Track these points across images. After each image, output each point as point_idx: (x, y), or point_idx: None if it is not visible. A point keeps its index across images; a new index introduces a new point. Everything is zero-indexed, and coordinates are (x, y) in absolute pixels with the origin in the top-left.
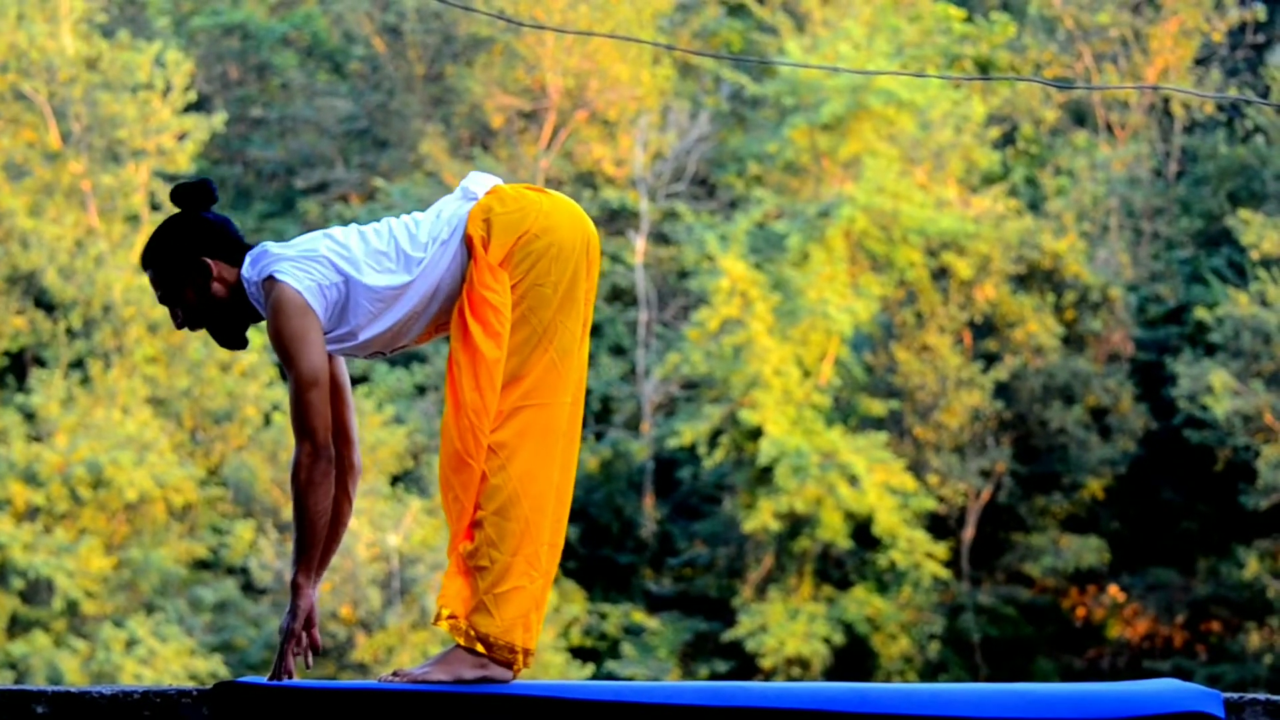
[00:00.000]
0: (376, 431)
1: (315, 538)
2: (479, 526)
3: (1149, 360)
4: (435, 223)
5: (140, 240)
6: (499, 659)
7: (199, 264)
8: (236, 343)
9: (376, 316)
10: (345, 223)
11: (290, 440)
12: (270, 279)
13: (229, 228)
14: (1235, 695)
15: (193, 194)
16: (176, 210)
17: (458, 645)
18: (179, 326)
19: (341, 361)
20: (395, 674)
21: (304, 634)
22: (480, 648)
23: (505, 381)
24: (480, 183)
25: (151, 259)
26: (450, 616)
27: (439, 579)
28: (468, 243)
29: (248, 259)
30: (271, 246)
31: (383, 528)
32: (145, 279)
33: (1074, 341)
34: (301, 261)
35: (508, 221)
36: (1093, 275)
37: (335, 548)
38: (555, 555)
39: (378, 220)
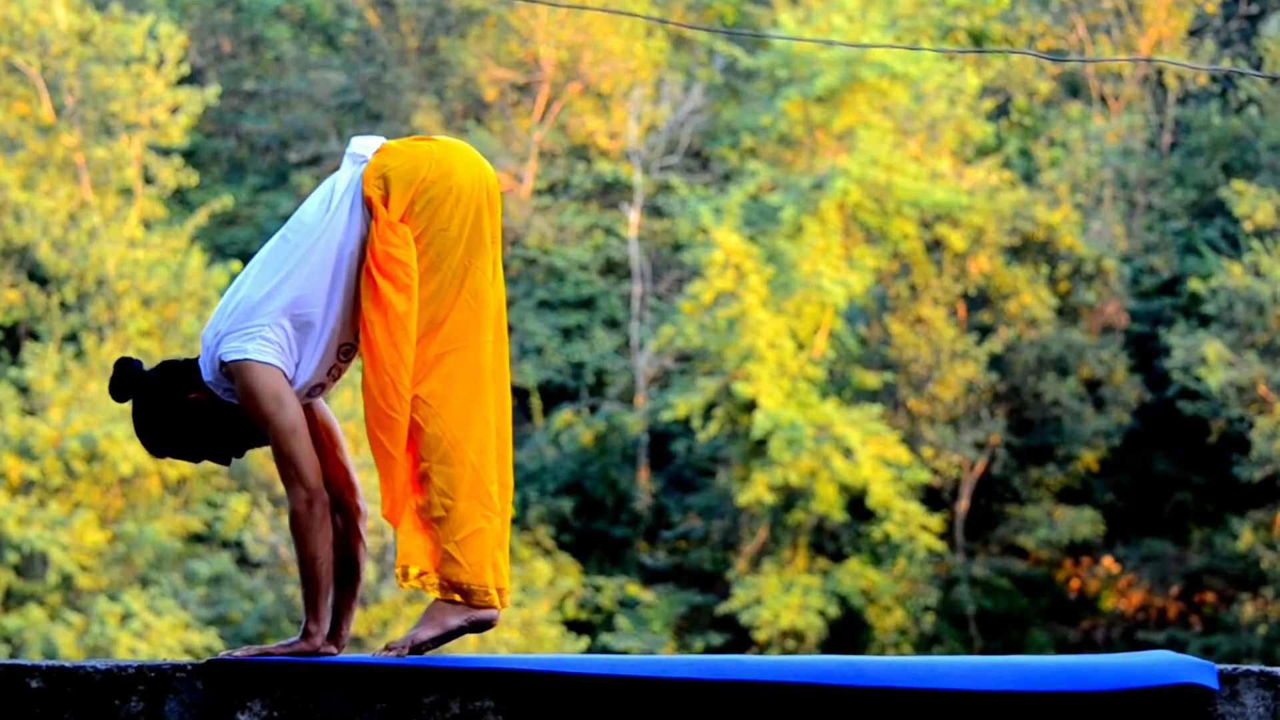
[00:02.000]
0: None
1: (321, 583)
2: (426, 479)
3: (1143, 332)
4: (327, 195)
5: (134, 214)
6: (478, 603)
7: (190, 404)
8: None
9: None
10: None
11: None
12: (223, 365)
13: (169, 365)
14: (1229, 667)
15: (126, 378)
16: (128, 399)
17: (436, 599)
18: (229, 463)
19: (325, 408)
20: (387, 648)
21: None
22: (457, 597)
23: (423, 331)
24: (366, 145)
25: (161, 444)
26: (420, 574)
27: None
28: (367, 204)
29: (200, 367)
30: (206, 336)
31: (375, 501)
32: (139, 253)
33: (1068, 313)
34: (238, 330)
35: (402, 173)
36: (1087, 247)
37: (354, 596)
38: (507, 493)
39: None
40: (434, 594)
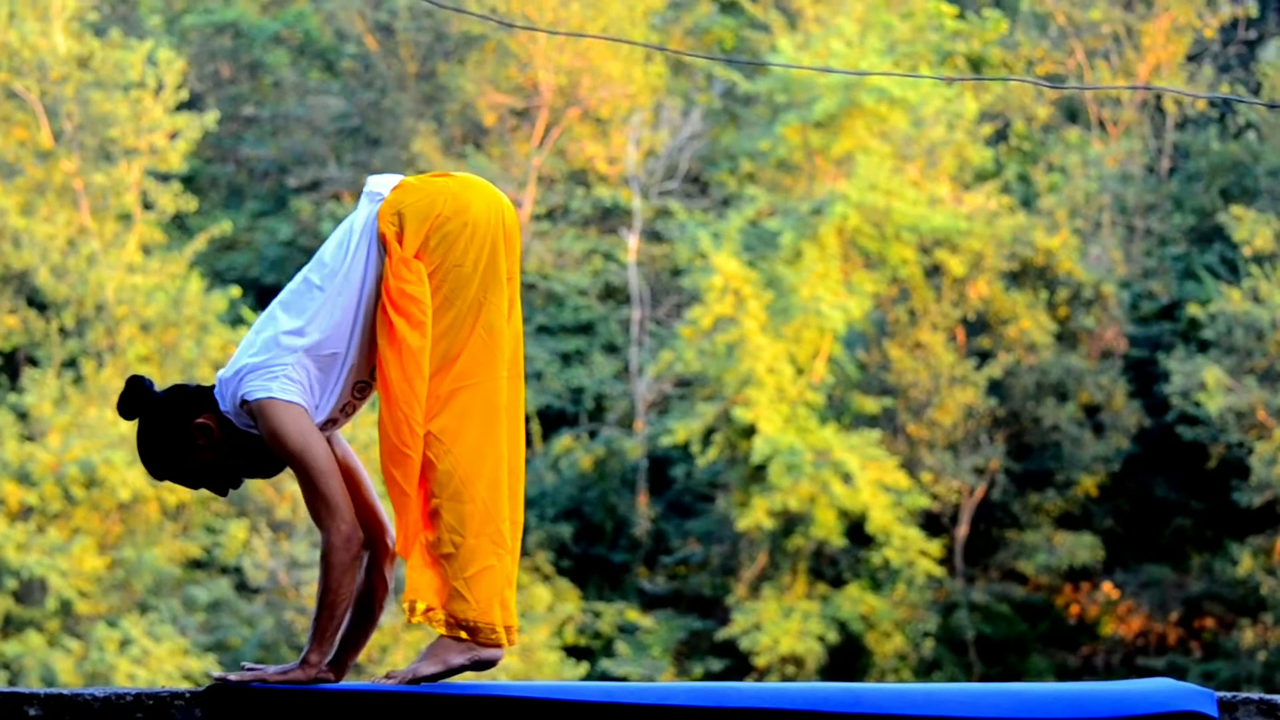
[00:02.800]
0: (370, 430)
1: (336, 619)
2: (436, 515)
3: (1142, 357)
4: (345, 236)
5: (133, 239)
6: (484, 641)
7: (197, 428)
8: (276, 465)
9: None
10: (338, 221)
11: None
12: (245, 403)
13: (180, 389)
14: (1229, 694)
15: (136, 396)
16: (135, 417)
17: (441, 635)
18: (225, 494)
19: (347, 447)
20: (388, 675)
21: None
22: (463, 634)
23: (436, 367)
24: (383, 183)
25: (160, 467)
26: (427, 610)
27: None
28: (382, 240)
29: (217, 397)
30: (225, 374)
31: None
32: (137, 278)
33: (1067, 338)
34: (263, 368)
35: (417, 210)
36: (1085, 272)
37: (368, 633)
38: (517, 531)
39: None
40: (440, 630)
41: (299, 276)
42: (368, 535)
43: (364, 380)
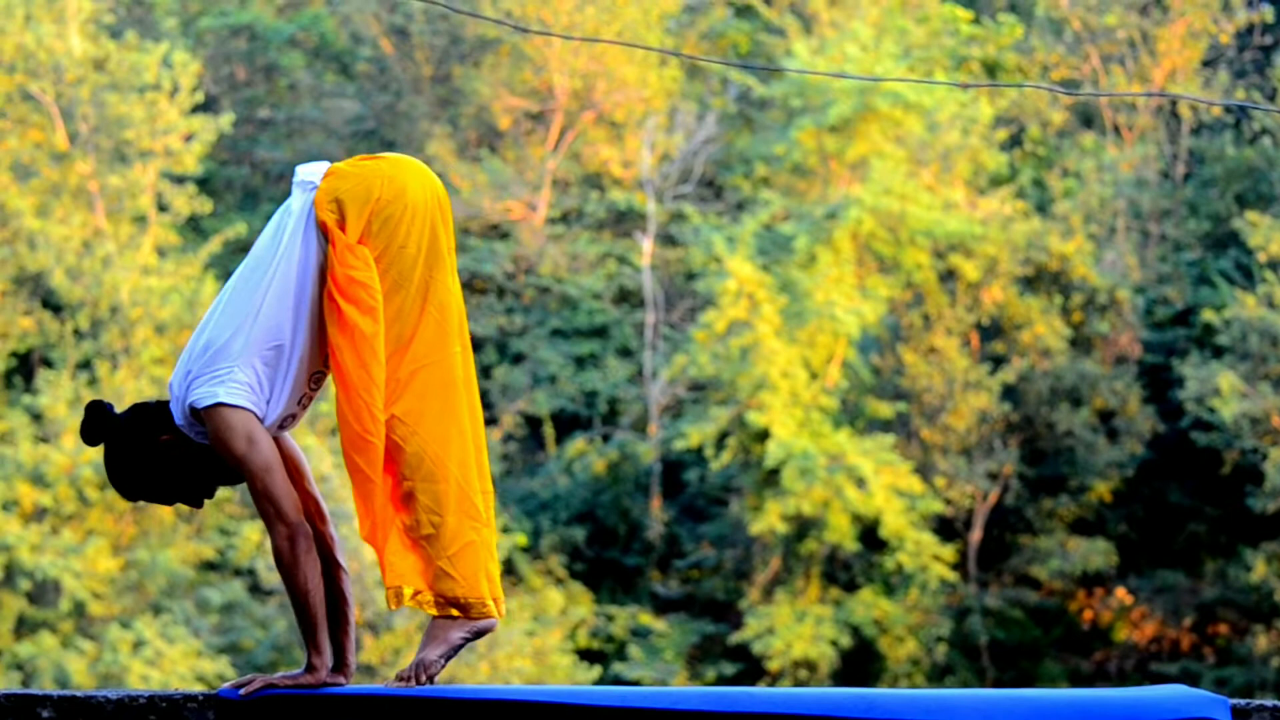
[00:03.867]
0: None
1: (315, 614)
2: (411, 498)
3: (1156, 362)
4: (278, 228)
5: (148, 241)
6: (476, 615)
7: (161, 446)
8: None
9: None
10: None
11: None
12: (195, 410)
13: (142, 408)
14: (1243, 701)
15: (98, 421)
16: (99, 443)
17: (434, 618)
18: (200, 505)
19: (291, 440)
20: (398, 678)
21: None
22: (455, 611)
23: (392, 350)
24: (313, 171)
25: (133, 487)
26: (415, 594)
27: None
28: (322, 229)
29: (172, 410)
30: (174, 383)
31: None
32: (152, 280)
33: (1081, 344)
34: (207, 373)
35: (355, 195)
36: (1100, 277)
37: (348, 623)
38: (490, 501)
39: None
40: (431, 611)
41: (234, 275)
42: (315, 529)
43: (319, 370)
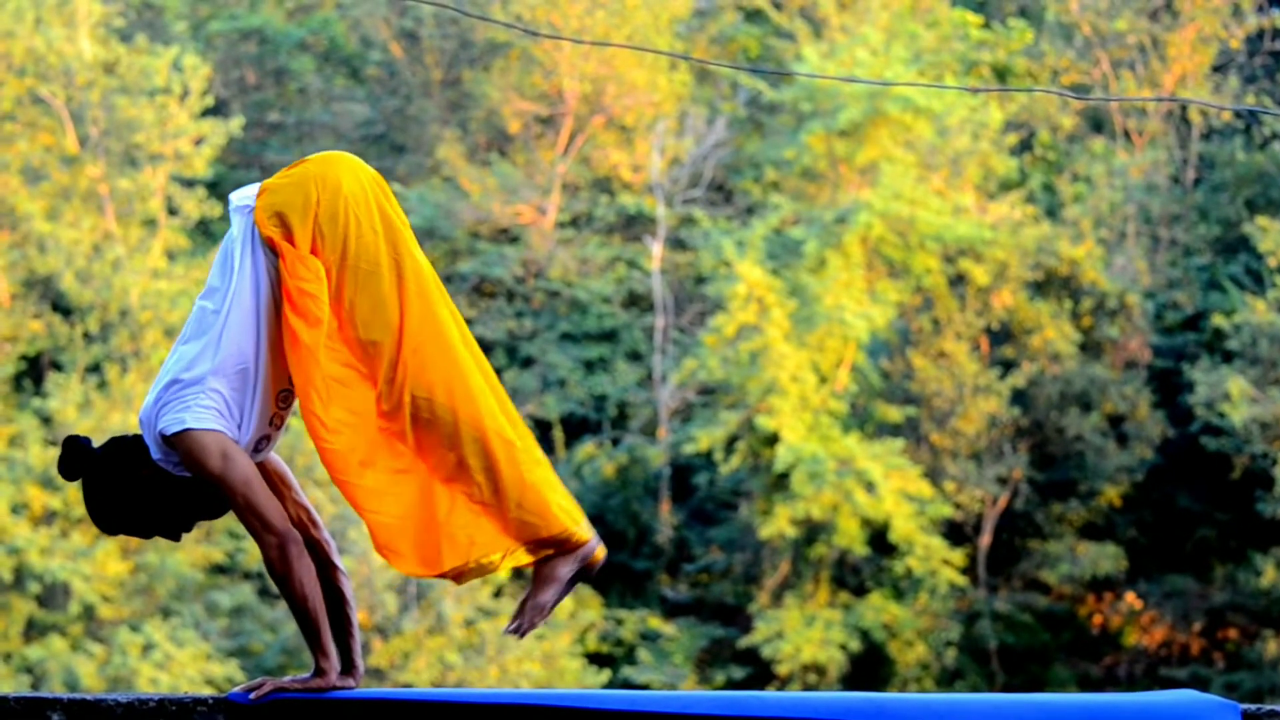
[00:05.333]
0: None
1: (316, 620)
2: (461, 466)
3: (1166, 367)
4: (226, 254)
5: (157, 244)
6: (571, 548)
7: (144, 481)
8: (223, 505)
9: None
10: None
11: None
12: (165, 439)
13: (119, 442)
14: (1253, 706)
15: (75, 457)
16: (78, 478)
17: (537, 565)
18: (179, 539)
19: (275, 457)
20: (515, 630)
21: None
22: (550, 551)
23: (393, 339)
24: (245, 194)
25: (112, 522)
26: (505, 555)
27: (454, 584)
28: (270, 245)
29: (148, 443)
30: (144, 417)
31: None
32: (162, 284)
33: (1091, 348)
34: (174, 401)
35: (294, 204)
36: (1110, 282)
37: (352, 624)
38: (531, 438)
39: None
40: (531, 558)
41: (195, 307)
42: (307, 535)
43: (286, 389)
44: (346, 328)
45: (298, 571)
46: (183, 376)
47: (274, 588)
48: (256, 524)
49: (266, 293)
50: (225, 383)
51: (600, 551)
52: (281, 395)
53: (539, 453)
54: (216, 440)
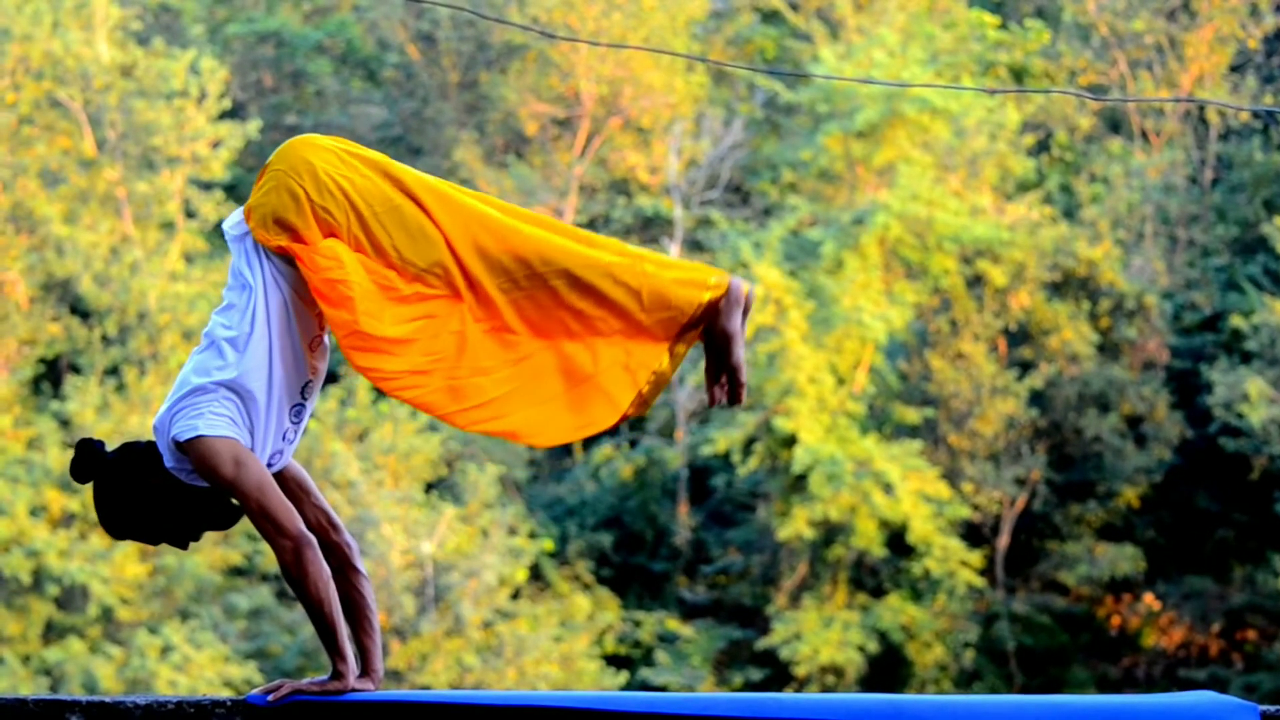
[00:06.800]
0: (410, 439)
1: (333, 623)
2: (578, 315)
3: (1184, 368)
4: (237, 276)
5: (175, 247)
6: (720, 305)
7: (154, 489)
8: (231, 516)
9: (260, 369)
10: None
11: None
12: (177, 445)
13: (131, 448)
14: (1273, 708)
15: (88, 460)
16: (89, 481)
17: (706, 335)
18: (186, 547)
19: (293, 463)
20: (733, 396)
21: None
22: (704, 321)
23: (446, 250)
24: (233, 220)
25: (121, 527)
26: (671, 356)
27: (473, 586)
28: (283, 252)
29: (161, 451)
30: (158, 424)
31: (416, 535)
32: (180, 286)
33: (1109, 349)
34: (188, 408)
35: (286, 205)
36: (1128, 283)
37: (373, 628)
38: (614, 242)
39: None
40: (698, 341)
41: (210, 320)
42: (323, 540)
43: (298, 402)
44: (407, 271)
45: (312, 575)
46: (197, 384)
47: (291, 590)
48: (270, 529)
49: (279, 309)
50: (239, 394)
51: (745, 286)
52: (294, 410)
53: (629, 250)
54: (229, 446)
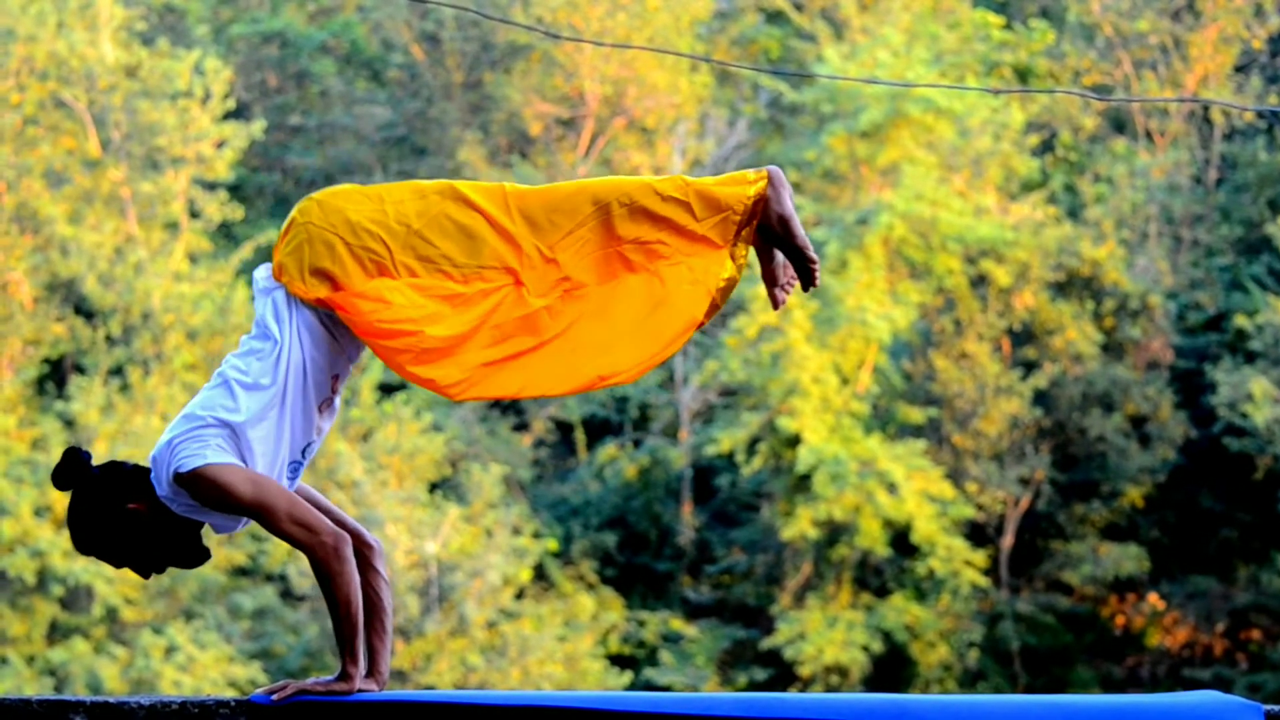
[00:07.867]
0: (415, 439)
1: (355, 623)
2: (637, 245)
3: (1188, 368)
4: (263, 321)
5: (180, 247)
6: (767, 195)
7: (127, 514)
8: (200, 556)
9: (270, 419)
10: None
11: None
12: (178, 476)
13: (117, 468)
14: (1277, 708)
15: (72, 469)
16: (69, 489)
17: (762, 226)
18: (147, 576)
19: (303, 485)
20: (810, 279)
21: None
22: (757, 213)
23: (495, 236)
24: (260, 274)
25: (87, 543)
26: (732, 254)
27: (477, 586)
28: (323, 304)
29: (153, 481)
30: (158, 452)
31: (421, 535)
32: (184, 287)
33: (1113, 349)
34: (192, 437)
35: (321, 254)
36: (1132, 283)
37: (386, 632)
38: (607, 182)
39: None
40: (750, 238)
41: (225, 363)
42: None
43: (296, 460)
44: (465, 275)
45: (347, 573)
46: (201, 419)
47: (297, 589)
48: (302, 532)
49: (298, 368)
50: (240, 440)
51: (778, 171)
52: (292, 465)
53: (637, 181)
54: (238, 470)
